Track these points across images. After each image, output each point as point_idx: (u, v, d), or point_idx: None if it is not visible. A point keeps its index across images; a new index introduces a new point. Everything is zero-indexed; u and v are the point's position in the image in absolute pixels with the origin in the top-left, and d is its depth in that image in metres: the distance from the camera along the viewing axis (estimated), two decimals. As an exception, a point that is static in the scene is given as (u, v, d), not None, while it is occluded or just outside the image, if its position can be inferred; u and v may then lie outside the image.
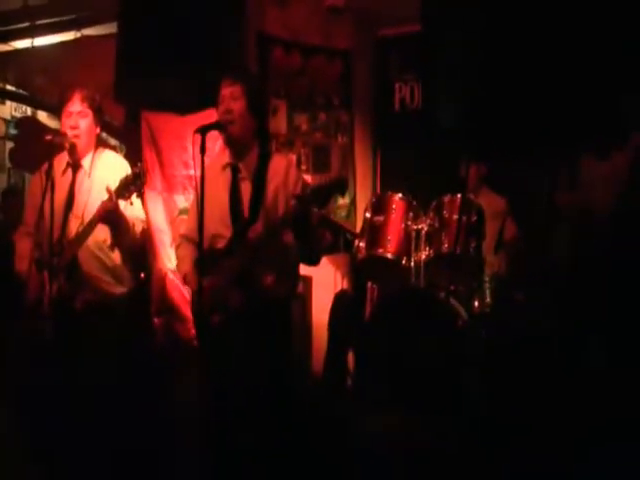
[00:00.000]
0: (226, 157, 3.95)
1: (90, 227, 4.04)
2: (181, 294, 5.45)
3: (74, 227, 4.11)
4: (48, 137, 4.09)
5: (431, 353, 4.24)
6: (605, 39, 3.96)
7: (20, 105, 8.89)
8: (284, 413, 3.75)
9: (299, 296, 5.00)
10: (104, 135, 5.27)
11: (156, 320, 5.58)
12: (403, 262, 4.68)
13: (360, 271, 5.23)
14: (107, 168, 4.25)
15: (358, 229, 5.31)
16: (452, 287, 4.64)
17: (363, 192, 6.57)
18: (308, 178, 5.90)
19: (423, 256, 4.66)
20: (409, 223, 4.73)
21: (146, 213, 4.62)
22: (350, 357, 5.31)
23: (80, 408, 3.91)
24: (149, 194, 5.45)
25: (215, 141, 4.60)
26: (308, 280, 5.74)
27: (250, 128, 3.89)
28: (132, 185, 3.90)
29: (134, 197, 3.98)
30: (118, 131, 6.60)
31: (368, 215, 4.87)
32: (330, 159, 6.49)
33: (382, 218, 4.77)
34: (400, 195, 4.82)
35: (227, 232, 3.80)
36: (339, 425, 4.28)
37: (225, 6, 5.58)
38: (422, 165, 6.13)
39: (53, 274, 4.00)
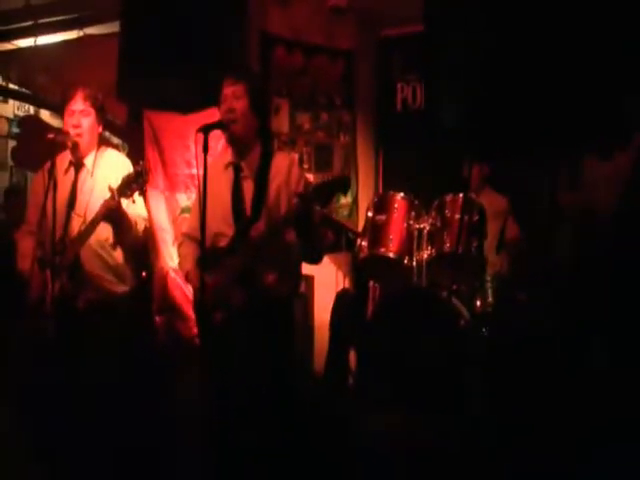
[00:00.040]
0: (228, 156, 3.96)
1: (92, 226, 4.04)
2: (183, 293, 5.45)
3: (76, 226, 4.11)
4: (50, 136, 4.09)
5: (433, 352, 4.24)
6: (607, 39, 3.96)
7: (23, 104, 8.88)
8: (286, 412, 3.75)
9: (301, 295, 5.00)
10: (106, 134, 5.29)
11: (158, 319, 5.58)
12: (405, 261, 4.68)
13: (362, 270, 5.23)
14: (109, 167, 4.25)
15: (360, 228, 5.31)
16: (454, 286, 4.64)
17: (365, 191, 6.58)
18: (310, 177, 5.89)
19: (425, 255, 4.66)
20: (411, 222, 4.73)
21: (148, 212, 4.62)
22: (352, 356, 5.32)
23: (82, 407, 3.91)
24: (151, 193, 5.46)
25: (217, 140, 4.60)
26: (310, 279, 5.74)
27: (252, 127, 3.90)
28: (134, 183, 3.91)
29: (136, 195, 3.99)
30: (120, 130, 6.61)
31: (370, 214, 4.87)
32: (332, 158, 6.49)
33: (384, 217, 4.77)
34: (402, 194, 4.82)
35: (229, 230, 3.80)
36: (341, 424, 4.29)
37: (227, 5, 5.58)
38: (424, 165, 6.13)
39: (55, 273, 4.00)
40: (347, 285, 6.07)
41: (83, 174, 4.25)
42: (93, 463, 3.90)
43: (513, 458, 3.65)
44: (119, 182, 3.93)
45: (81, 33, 6.72)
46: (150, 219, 4.90)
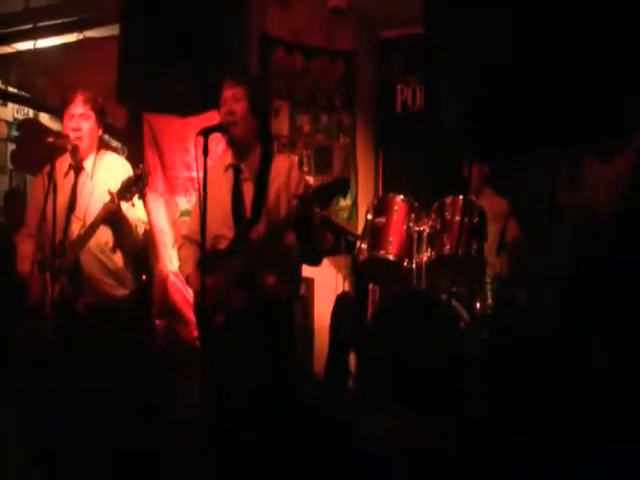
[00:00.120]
0: (228, 158, 3.96)
1: (92, 229, 4.04)
2: (183, 296, 5.45)
3: (76, 229, 4.11)
4: (50, 139, 4.09)
5: (433, 355, 4.24)
6: (608, 40, 3.96)
7: (22, 107, 8.88)
8: (286, 414, 3.75)
9: (301, 297, 5.00)
10: (106, 137, 5.29)
11: (158, 322, 5.58)
12: (405, 264, 4.68)
13: (362, 273, 5.23)
14: (109, 170, 4.25)
15: (360, 231, 5.31)
16: (454, 289, 4.64)
17: (365, 194, 6.57)
18: (310, 179, 5.90)
19: (425, 258, 4.66)
20: (411, 225, 4.73)
21: (148, 215, 4.62)
22: (352, 359, 5.32)
23: (82, 410, 3.91)
24: (151, 196, 5.46)
25: (217, 143, 4.60)
26: (310, 282, 5.74)
27: (252, 129, 3.89)
28: (134, 187, 3.91)
29: (136, 199, 3.99)
30: (120, 133, 6.61)
31: (370, 217, 4.87)
32: (332, 160, 6.49)
33: (384, 220, 4.77)
34: (402, 197, 4.82)
35: (229, 233, 3.80)
36: (341, 427, 4.28)
37: (227, 7, 5.59)
38: (424, 167, 6.13)
39: (55, 276, 4.00)
40: (347, 288, 6.06)
41: (83, 177, 4.25)
42: (93, 466, 3.89)
43: (513, 459, 3.65)
44: (119, 185, 3.93)
45: (81, 36, 6.72)
46: (150, 222, 4.90)
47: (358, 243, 4.91)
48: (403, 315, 4.46)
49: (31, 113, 8.81)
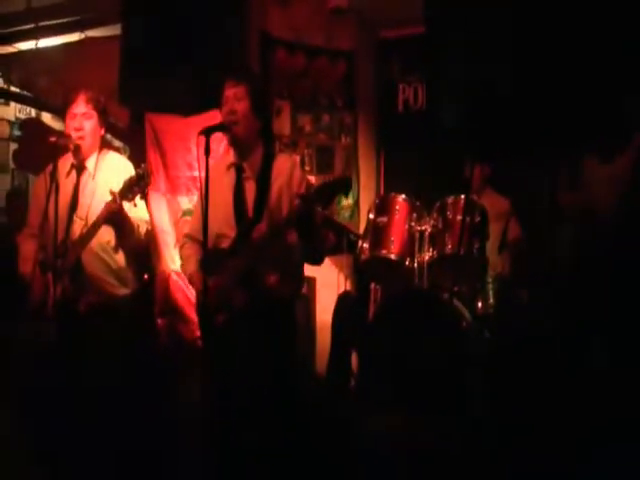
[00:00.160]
0: (230, 157, 3.96)
1: (94, 228, 4.04)
2: (185, 295, 5.45)
3: (78, 229, 4.11)
4: (52, 139, 4.10)
5: (434, 354, 4.25)
6: (608, 40, 3.96)
7: (24, 107, 8.88)
8: (288, 413, 3.75)
9: (303, 297, 5.01)
10: (108, 137, 5.29)
11: (160, 321, 5.58)
12: (406, 263, 4.68)
13: (363, 272, 5.23)
14: (111, 170, 4.25)
15: (361, 230, 5.31)
16: (455, 288, 4.65)
17: (366, 193, 6.58)
18: (312, 179, 5.90)
19: (426, 257, 4.67)
20: (412, 224, 4.73)
21: (150, 214, 4.62)
22: (354, 358, 5.32)
23: (84, 410, 3.92)
24: (153, 195, 5.47)
25: (219, 142, 4.60)
26: (312, 281, 5.74)
27: (254, 128, 3.89)
28: (136, 186, 3.91)
29: (138, 198, 3.99)
30: (122, 132, 6.60)
31: (371, 216, 4.87)
32: (334, 160, 6.50)
33: (385, 219, 4.77)
34: (403, 196, 4.83)
35: (231, 232, 3.80)
36: (343, 425, 4.29)
37: (228, 7, 5.60)
38: (425, 166, 6.14)
39: (57, 276, 4.01)
40: (349, 287, 6.07)
41: (85, 177, 4.25)
42: (95, 466, 3.90)
43: (514, 459, 3.65)
44: (121, 185, 3.93)
45: (82, 36, 6.73)
46: (152, 222, 4.90)
47: (360, 242, 4.91)
48: (405, 314, 4.46)
49: (33, 112, 8.81)
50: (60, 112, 4.87)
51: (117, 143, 7.07)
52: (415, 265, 4.68)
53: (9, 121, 9.02)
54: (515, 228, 5.47)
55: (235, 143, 3.88)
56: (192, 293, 4.28)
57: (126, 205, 4.01)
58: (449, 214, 4.71)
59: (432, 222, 4.72)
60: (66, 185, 4.18)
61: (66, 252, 4.05)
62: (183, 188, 5.68)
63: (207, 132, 3.40)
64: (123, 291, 4.26)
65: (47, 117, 8.53)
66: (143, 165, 4.09)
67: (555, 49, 4.06)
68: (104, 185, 4.07)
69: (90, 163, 4.27)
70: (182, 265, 4.15)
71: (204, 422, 3.77)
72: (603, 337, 4.10)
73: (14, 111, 9.01)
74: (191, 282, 3.95)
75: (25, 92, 7.83)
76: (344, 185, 3.59)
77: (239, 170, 3.89)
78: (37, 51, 6.98)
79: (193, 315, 4.86)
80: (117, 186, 3.94)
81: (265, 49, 6.15)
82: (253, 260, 3.68)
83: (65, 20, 6.71)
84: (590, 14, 3.97)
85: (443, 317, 4.40)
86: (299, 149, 6.33)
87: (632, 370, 3.81)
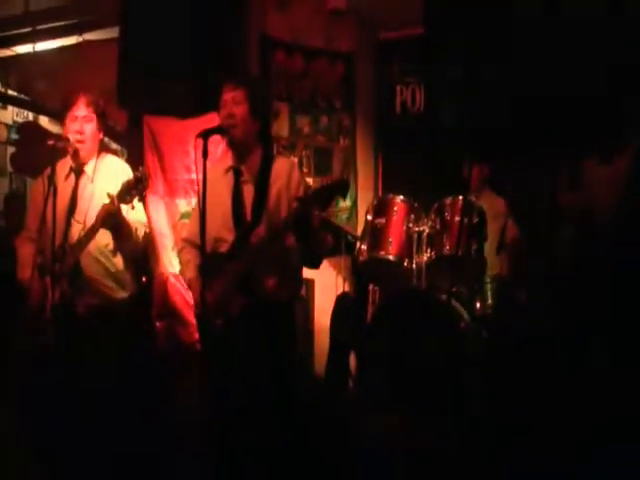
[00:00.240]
0: (228, 160, 3.96)
1: (92, 231, 4.03)
2: (183, 298, 5.45)
3: (76, 232, 4.11)
4: (51, 142, 4.09)
5: (433, 354, 4.25)
6: (608, 39, 3.96)
7: (22, 110, 8.87)
8: (287, 415, 3.75)
9: (301, 298, 5.01)
10: (106, 139, 5.29)
11: (158, 324, 5.58)
12: (405, 264, 4.69)
13: (362, 273, 5.24)
14: (110, 173, 4.25)
15: (359, 231, 5.32)
16: (454, 289, 4.65)
17: (365, 195, 6.58)
18: (310, 181, 5.91)
19: (425, 258, 4.67)
20: (410, 225, 4.74)
21: (148, 217, 4.62)
22: (352, 359, 5.32)
23: (82, 413, 3.91)
24: (151, 198, 5.46)
25: (217, 145, 4.61)
26: (310, 283, 5.74)
27: (252, 132, 3.90)
28: (134, 189, 3.90)
29: (136, 201, 3.99)
30: (120, 135, 6.61)
31: (370, 217, 4.87)
32: (332, 162, 6.50)
33: (384, 220, 4.78)
34: (402, 197, 4.83)
35: (230, 236, 3.80)
36: (341, 426, 4.29)
37: (227, 9, 5.60)
38: (423, 167, 6.14)
39: (55, 279, 4.00)
40: (347, 288, 6.07)
41: (83, 180, 4.25)
42: (93, 469, 3.90)
43: (513, 459, 3.65)
44: (119, 188, 3.93)
45: (80, 39, 6.72)
46: (150, 225, 4.89)
47: (358, 244, 4.92)
48: (403, 315, 4.47)
49: (31, 116, 8.81)
50: (58, 115, 4.87)
51: (115, 146, 7.07)
52: (413, 266, 4.68)
53: (7, 124, 9.01)
54: (513, 228, 5.46)
55: (233, 146, 3.88)
56: (190, 296, 4.27)
57: (124, 208, 4.01)
58: (447, 215, 4.72)
59: (430, 223, 4.73)
60: (64, 188, 4.18)
61: (64, 255, 4.05)
62: (181, 191, 5.68)
63: (205, 135, 3.39)
64: (121, 294, 4.26)
65: (44, 120, 8.53)
66: (141, 168, 4.09)
67: (555, 49, 4.05)
68: (102, 188, 4.07)
69: (89, 166, 4.27)
70: (181, 270, 4.15)
71: (202, 425, 3.77)
72: (603, 337, 4.10)
73: (12, 114, 9.00)
74: (190, 287, 3.95)
75: (23, 95, 7.85)
76: (342, 188, 3.59)
77: (237, 174, 3.89)
78: (35, 54, 6.99)
79: (192, 318, 4.86)
80: (115, 189, 3.93)
81: (264, 51, 6.15)
82: (252, 264, 3.68)
83: (63, 23, 6.70)
84: (590, 14, 3.97)
85: (441, 318, 4.40)
86: (297, 151, 6.33)
87: (632, 370, 3.81)
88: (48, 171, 4.09)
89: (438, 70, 4.73)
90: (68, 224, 4.13)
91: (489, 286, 5.02)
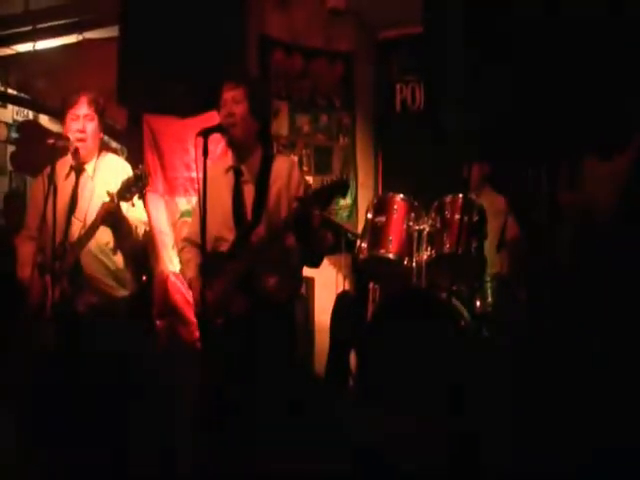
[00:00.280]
0: (229, 160, 3.96)
1: (92, 229, 4.04)
2: (183, 296, 5.45)
3: (76, 230, 4.12)
4: (51, 141, 4.09)
5: (433, 353, 4.25)
6: (608, 39, 3.96)
7: (22, 109, 8.87)
8: (286, 414, 3.76)
9: (301, 297, 5.01)
10: (106, 138, 5.30)
11: (159, 323, 5.58)
12: (405, 262, 4.68)
13: (362, 272, 5.23)
14: (110, 171, 4.25)
15: (360, 230, 5.31)
16: (454, 287, 4.64)
17: (365, 193, 6.58)
18: (310, 179, 5.91)
19: (425, 256, 4.66)
20: (411, 224, 4.73)
21: (148, 215, 4.62)
22: (352, 357, 5.32)
23: (82, 411, 3.91)
24: (151, 196, 5.46)
25: (217, 144, 4.61)
26: (310, 281, 5.75)
27: (252, 131, 3.90)
28: (134, 187, 3.91)
29: (136, 199, 3.99)
30: (119, 134, 6.61)
31: (370, 216, 4.87)
32: (332, 160, 6.50)
33: (384, 219, 4.77)
34: (402, 196, 4.82)
35: (230, 235, 3.81)
36: (340, 425, 4.29)
37: (226, 9, 5.60)
38: (423, 165, 6.14)
39: (55, 278, 4.01)
40: (347, 287, 6.07)
41: (84, 179, 4.26)
42: (92, 467, 3.90)
43: (513, 458, 3.65)
44: (119, 186, 3.94)
45: (80, 37, 6.72)
46: (150, 223, 4.89)
47: (358, 242, 4.91)
48: (403, 314, 4.46)
49: (31, 115, 8.81)
50: (58, 114, 4.87)
51: (115, 144, 7.07)
52: (413, 264, 4.67)
53: (6, 123, 9.01)
54: (514, 226, 5.45)
55: (233, 145, 3.89)
56: (190, 294, 4.27)
57: (124, 206, 4.02)
58: (447, 213, 4.71)
59: (430, 221, 4.72)
60: (65, 187, 4.18)
61: (64, 254, 4.06)
62: (181, 189, 5.68)
63: (205, 133, 3.40)
64: (122, 293, 4.27)
65: (44, 119, 8.53)
66: (141, 166, 4.11)
67: (555, 48, 4.06)
68: (103, 187, 4.08)
69: (89, 165, 4.28)
70: (182, 269, 4.15)
71: (202, 424, 3.77)
72: (602, 337, 4.10)
73: (11, 113, 9.00)
74: (191, 287, 3.95)
75: (23, 94, 7.84)
76: (342, 187, 3.60)
77: (238, 173, 3.90)
78: (35, 53, 6.99)
79: (192, 316, 4.86)
80: (116, 188, 3.94)
81: (263, 51, 6.16)
82: (252, 263, 3.69)
83: (63, 22, 6.70)
84: (591, 13, 3.97)
85: (441, 316, 4.40)
86: (297, 150, 6.33)
87: (632, 370, 3.81)
88: (48, 170, 4.09)
89: (437, 69, 4.73)
90: (68, 222, 4.13)
91: (489, 284, 5.02)
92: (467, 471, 3.73)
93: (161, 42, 5.45)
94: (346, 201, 6.37)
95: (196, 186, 4.10)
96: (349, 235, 5.64)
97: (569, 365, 4.02)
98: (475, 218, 4.68)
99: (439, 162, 5.81)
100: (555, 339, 4.13)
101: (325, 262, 4.79)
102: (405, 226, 4.73)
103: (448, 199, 4.76)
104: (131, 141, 6.10)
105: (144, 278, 5.45)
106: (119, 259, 4.25)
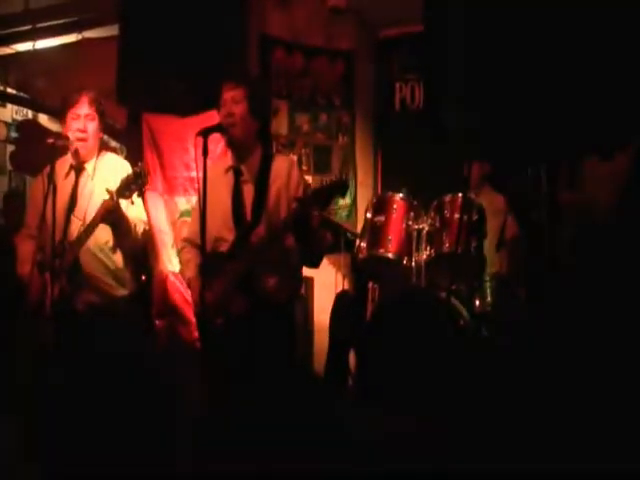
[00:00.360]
0: (228, 160, 3.96)
1: (91, 227, 4.04)
2: (182, 296, 5.45)
3: (76, 229, 4.12)
4: (50, 140, 4.09)
5: (432, 353, 4.25)
6: (608, 39, 3.96)
7: (21, 108, 8.87)
8: (286, 414, 3.76)
9: (301, 297, 5.01)
10: (105, 137, 5.29)
11: (158, 322, 5.58)
12: (404, 262, 4.68)
13: (361, 271, 5.23)
14: (109, 170, 4.25)
15: (359, 229, 5.31)
16: (453, 287, 4.63)
17: (364, 192, 6.58)
18: (309, 178, 5.91)
19: (424, 256, 4.66)
20: (410, 223, 4.73)
21: (147, 214, 4.62)
22: (352, 357, 5.32)
23: (81, 410, 3.91)
24: (150, 195, 5.46)
25: (217, 143, 4.61)
26: (310, 281, 5.75)
27: (252, 131, 3.90)
28: (133, 184, 3.91)
29: (135, 197, 3.99)
30: (119, 133, 6.61)
31: (369, 215, 4.87)
32: (331, 159, 6.50)
33: (383, 218, 4.77)
34: (401, 195, 4.82)
35: (230, 235, 3.81)
36: (340, 426, 4.29)
37: (227, 8, 5.60)
38: (423, 164, 6.13)
39: (55, 276, 4.00)
40: (346, 286, 6.07)
41: (84, 178, 4.26)
42: (91, 467, 3.90)
43: (512, 458, 3.65)
44: (118, 184, 3.94)
45: (80, 37, 6.72)
46: (149, 222, 4.89)
47: (357, 242, 4.91)
48: (403, 313, 4.46)
49: (30, 114, 8.81)
50: (57, 114, 4.87)
51: (114, 144, 7.06)
52: (413, 264, 4.67)
53: (6, 123, 9.00)
54: (513, 225, 5.45)
55: (233, 145, 3.89)
56: (190, 294, 4.27)
57: (123, 204, 4.02)
58: (446, 212, 4.71)
59: (429, 221, 4.72)
60: (64, 186, 4.18)
61: (64, 252, 4.06)
62: (180, 189, 5.68)
63: (205, 133, 3.40)
64: (121, 292, 4.27)
65: (44, 119, 8.53)
66: (140, 163, 4.11)
67: (555, 47, 4.05)
68: (102, 186, 4.08)
69: (89, 164, 4.28)
70: (181, 269, 4.16)
71: (202, 423, 3.77)
72: (602, 337, 4.10)
73: (11, 112, 8.99)
74: (190, 287, 3.95)
75: (22, 93, 7.84)
76: (341, 188, 3.60)
77: (237, 173, 3.90)
78: (34, 52, 6.98)
79: (192, 316, 4.86)
80: (115, 186, 3.94)
81: (264, 49, 6.16)
82: (252, 263, 3.69)
83: (62, 21, 6.70)
84: (591, 12, 3.97)
85: (441, 316, 4.40)
86: (297, 149, 6.33)
87: (631, 370, 3.81)
88: (47, 169, 4.09)
89: (437, 68, 4.73)
90: (68, 221, 4.14)
91: (488, 284, 5.01)
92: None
93: (161, 41, 5.45)
94: (345, 200, 6.37)
95: (196, 186, 4.10)
96: (348, 235, 5.64)
97: (569, 365, 4.02)
98: (474, 217, 4.67)
99: (438, 161, 5.81)
100: (555, 339, 4.13)
101: (324, 262, 4.79)
102: (404, 225, 4.73)
103: (447, 198, 4.76)
104: (130, 140, 6.11)
105: (143, 277, 5.45)
106: (118, 258, 4.25)
